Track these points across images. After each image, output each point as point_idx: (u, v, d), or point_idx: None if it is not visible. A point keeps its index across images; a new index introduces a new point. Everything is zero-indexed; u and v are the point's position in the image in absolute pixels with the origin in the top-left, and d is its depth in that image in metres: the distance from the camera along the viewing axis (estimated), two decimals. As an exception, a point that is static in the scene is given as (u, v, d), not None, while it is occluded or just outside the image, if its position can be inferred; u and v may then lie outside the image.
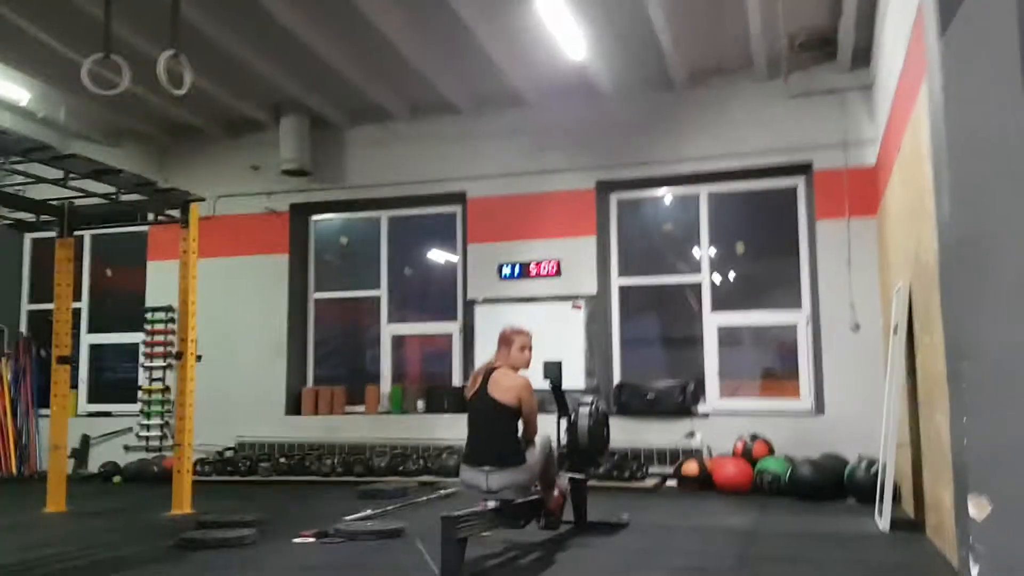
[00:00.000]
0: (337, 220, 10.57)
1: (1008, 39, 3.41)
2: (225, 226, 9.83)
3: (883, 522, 5.59)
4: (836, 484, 7.08)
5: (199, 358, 7.07)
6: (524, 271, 9.12)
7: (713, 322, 8.76)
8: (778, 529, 5.78)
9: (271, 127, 9.81)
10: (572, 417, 5.69)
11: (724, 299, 8.83)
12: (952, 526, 3.89)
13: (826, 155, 8.19)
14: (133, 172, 7.03)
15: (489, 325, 8.74)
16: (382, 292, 10.04)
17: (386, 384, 9.82)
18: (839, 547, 5.04)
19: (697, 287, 8.90)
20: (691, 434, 8.28)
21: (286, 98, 9.24)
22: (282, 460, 9.11)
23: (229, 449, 9.51)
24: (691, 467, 7.85)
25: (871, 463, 6.69)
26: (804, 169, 8.44)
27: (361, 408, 9.74)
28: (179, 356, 7.03)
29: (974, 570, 3.26)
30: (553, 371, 5.61)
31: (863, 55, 7.84)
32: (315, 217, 10.47)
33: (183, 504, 6.77)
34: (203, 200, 7.34)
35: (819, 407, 8.18)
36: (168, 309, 9.96)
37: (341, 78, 8.52)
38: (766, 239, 9.07)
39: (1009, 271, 3.35)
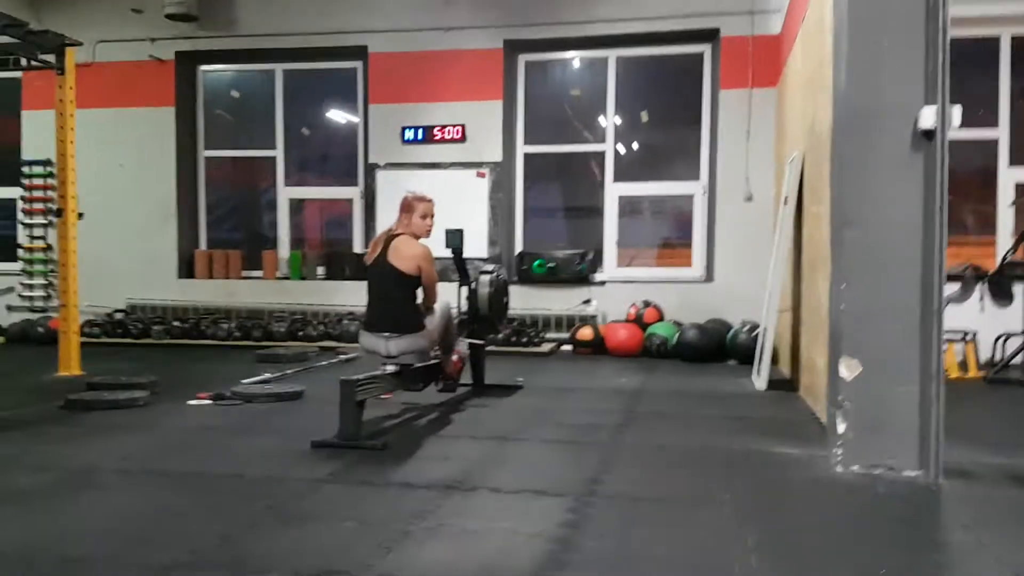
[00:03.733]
0: (228, 72, 9.94)
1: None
2: (105, 74, 9.14)
3: (760, 382, 5.96)
4: (719, 347, 7.48)
5: (81, 216, 6.70)
6: (428, 135, 8.89)
7: (615, 192, 8.85)
8: (663, 388, 6.09)
9: (153, -34, 9.00)
10: (473, 285, 5.71)
11: (626, 169, 8.90)
12: (824, 386, 4.18)
13: (733, 22, 8.17)
14: (2, 11, 6.36)
15: (391, 191, 8.55)
16: (278, 152, 9.64)
17: (284, 249, 9.60)
18: (717, 404, 5.37)
19: (601, 156, 8.91)
20: (588, 301, 8.51)
21: (168, -66, 8.44)
22: (176, 324, 8.90)
23: (119, 311, 9.22)
24: (585, 332, 8.11)
25: (753, 327, 7.07)
26: (712, 35, 8.40)
27: (259, 273, 9.52)
28: (59, 213, 6.64)
29: (841, 426, 3.53)
30: (455, 239, 5.57)
31: (776, -78, 7.70)
32: (203, 67, 9.82)
33: (71, 366, 6.57)
34: (80, 44, 6.74)
35: (709, 275, 8.50)
36: (47, 163, 9.20)
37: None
38: (671, 108, 9.11)
39: (897, 145, 3.47)
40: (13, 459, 3.82)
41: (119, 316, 9.12)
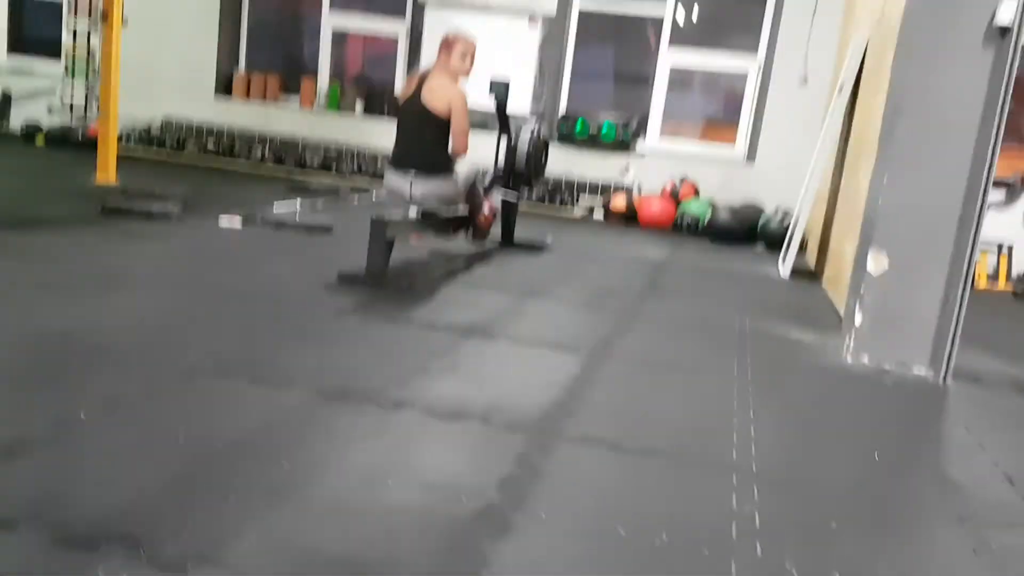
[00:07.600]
0: None
1: None
2: None
3: (784, 269, 5.96)
4: (750, 231, 7.43)
5: (125, 22, 6.62)
6: (481, -24, 8.52)
7: (668, 60, 8.53)
8: (689, 264, 6.10)
9: None
10: (512, 139, 5.63)
11: (683, 37, 8.53)
12: (847, 277, 4.17)
13: None
14: None
15: (438, 31, 8.27)
16: (325, -24, 9.31)
17: (324, 79, 9.44)
18: (739, 285, 5.39)
19: (659, 24, 8.53)
20: (626, 169, 8.40)
21: None
22: (210, 143, 8.93)
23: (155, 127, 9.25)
24: (619, 201, 8.06)
25: (785, 216, 6.99)
26: (793, -99, 7.84)
27: (295, 100, 9.43)
28: (104, 18, 6.56)
29: (858, 317, 3.56)
30: (500, 89, 5.43)
31: None
32: None
33: (108, 173, 6.67)
34: None
35: (751, 156, 8.33)
36: (91, -36, 9.08)
37: None
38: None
39: (968, 38, 3.31)
40: (53, 255, 3.96)
41: (155, 131, 9.16)
